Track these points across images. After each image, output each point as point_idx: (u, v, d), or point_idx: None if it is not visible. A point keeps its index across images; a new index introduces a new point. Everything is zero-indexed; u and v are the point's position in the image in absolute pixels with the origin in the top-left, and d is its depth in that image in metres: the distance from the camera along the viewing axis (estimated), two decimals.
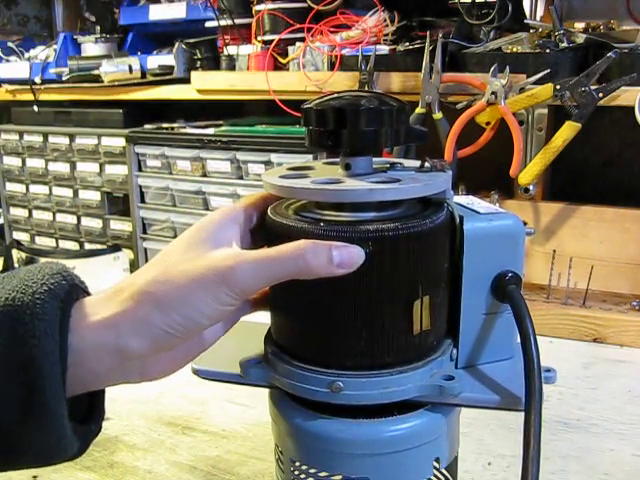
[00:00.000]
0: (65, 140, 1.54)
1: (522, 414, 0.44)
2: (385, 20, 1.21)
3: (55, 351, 0.36)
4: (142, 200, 1.39)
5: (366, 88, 1.14)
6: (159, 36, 1.63)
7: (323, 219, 0.46)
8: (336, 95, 0.48)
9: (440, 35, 1.10)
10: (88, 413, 0.43)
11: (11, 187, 1.71)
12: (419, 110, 1.11)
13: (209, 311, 0.39)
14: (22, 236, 1.72)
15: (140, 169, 1.38)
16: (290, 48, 1.26)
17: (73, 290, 0.40)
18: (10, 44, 1.76)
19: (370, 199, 0.45)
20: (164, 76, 1.43)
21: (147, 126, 1.45)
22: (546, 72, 1.02)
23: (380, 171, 0.50)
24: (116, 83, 1.46)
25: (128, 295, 0.39)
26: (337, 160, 0.51)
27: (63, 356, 0.37)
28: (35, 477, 0.70)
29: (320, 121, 0.47)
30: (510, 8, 1.12)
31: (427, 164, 0.50)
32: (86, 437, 0.42)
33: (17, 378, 0.36)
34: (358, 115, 0.46)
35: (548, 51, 1.07)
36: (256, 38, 1.31)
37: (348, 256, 0.40)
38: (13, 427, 0.37)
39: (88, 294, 0.42)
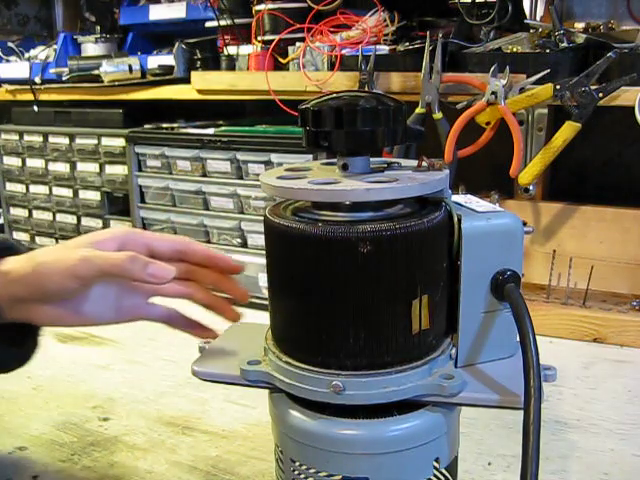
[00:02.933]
0: (65, 140, 1.54)
1: (522, 413, 0.44)
2: (385, 20, 1.21)
3: None
4: (142, 200, 1.39)
5: (366, 88, 1.14)
6: (159, 36, 1.63)
7: (321, 219, 0.46)
8: (333, 95, 0.48)
9: (440, 35, 1.10)
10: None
11: (11, 187, 1.71)
12: (419, 110, 1.11)
13: (55, 285, 0.54)
14: (22, 236, 1.72)
15: (140, 169, 1.38)
16: (290, 48, 1.26)
17: (6, 247, 0.59)
18: (10, 44, 1.76)
19: (367, 199, 0.45)
20: (164, 76, 1.43)
21: (147, 126, 1.45)
22: (546, 72, 1.02)
23: (377, 171, 0.50)
24: (116, 83, 1.46)
25: (24, 259, 0.57)
26: (335, 160, 0.51)
27: None
28: (35, 477, 0.70)
29: (317, 121, 0.47)
30: (510, 8, 1.12)
31: (424, 163, 0.50)
32: (6, 351, 0.60)
33: None
34: (355, 115, 0.46)
35: (548, 51, 1.07)
36: (256, 38, 1.30)
37: (158, 270, 0.54)
38: None
39: (17, 252, 0.59)
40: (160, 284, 0.55)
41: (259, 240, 1.22)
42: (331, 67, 1.20)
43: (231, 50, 1.35)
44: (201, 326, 0.63)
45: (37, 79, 1.61)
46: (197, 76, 1.34)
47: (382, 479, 0.48)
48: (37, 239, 1.69)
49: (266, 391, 0.53)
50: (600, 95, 0.99)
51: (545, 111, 1.11)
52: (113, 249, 0.57)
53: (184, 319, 0.64)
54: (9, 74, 1.68)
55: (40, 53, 1.68)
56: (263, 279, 1.18)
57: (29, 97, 1.62)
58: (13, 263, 0.57)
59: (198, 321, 0.63)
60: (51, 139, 1.57)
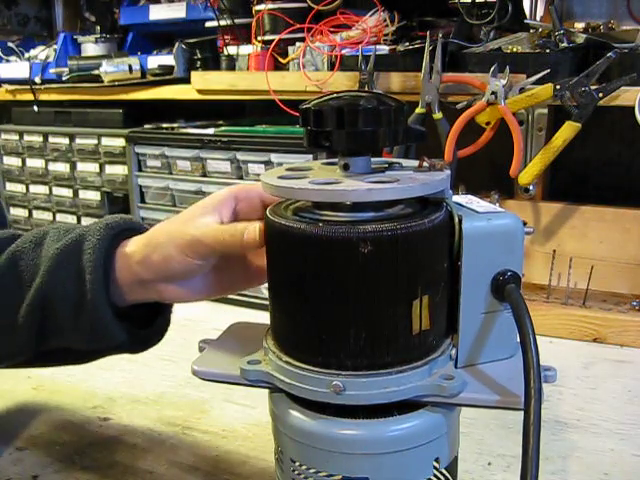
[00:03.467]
0: (65, 140, 1.54)
1: (522, 413, 0.44)
2: (385, 20, 1.21)
3: (100, 266, 0.56)
4: (142, 200, 1.39)
5: (366, 88, 1.14)
6: (159, 36, 1.63)
7: (322, 219, 0.46)
8: (334, 95, 0.48)
9: (440, 35, 1.10)
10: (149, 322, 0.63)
11: (11, 187, 1.71)
12: (419, 110, 1.11)
13: (177, 264, 0.55)
14: None
15: (140, 169, 1.38)
16: (290, 48, 1.26)
17: (127, 228, 0.60)
18: (10, 44, 1.76)
19: (368, 199, 0.45)
20: (164, 76, 1.43)
21: (147, 126, 1.45)
22: (546, 72, 1.02)
23: (378, 171, 0.50)
24: (116, 83, 1.46)
25: (143, 241, 0.58)
26: (336, 160, 0.51)
27: (106, 269, 0.56)
28: (35, 477, 0.70)
29: (318, 121, 0.47)
30: (510, 8, 1.12)
31: (425, 164, 0.50)
32: (135, 334, 0.60)
33: (78, 277, 0.56)
34: (356, 115, 0.46)
35: (548, 51, 1.07)
36: (256, 38, 1.30)
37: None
38: (69, 310, 0.57)
39: (140, 232, 0.59)
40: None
41: None
42: (331, 67, 1.20)
43: (231, 50, 1.35)
44: None
45: (37, 79, 1.61)
46: (197, 76, 1.34)
47: (382, 479, 0.48)
48: None
49: (266, 391, 0.53)
50: (600, 95, 0.99)
51: (545, 111, 1.11)
52: (231, 209, 0.56)
53: None
54: (9, 74, 1.69)
55: (40, 53, 1.68)
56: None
57: (29, 97, 1.62)
58: (135, 245, 0.57)
59: None
60: (51, 139, 1.57)
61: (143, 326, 0.62)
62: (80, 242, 0.58)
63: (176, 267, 0.55)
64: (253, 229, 0.52)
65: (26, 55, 1.72)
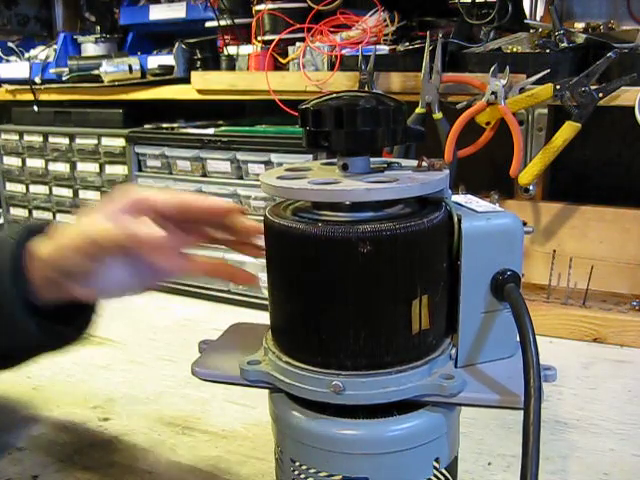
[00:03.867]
0: (65, 140, 1.54)
1: (522, 413, 0.44)
2: (385, 20, 1.21)
3: (7, 260, 0.59)
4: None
5: (366, 88, 1.14)
6: (159, 36, 1.63)
7: (321, 219, 0.46)
8: (333, 95, 0.48)
9: (440, 35, 1.10)
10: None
11: (11, 187, 1.71)
12: (419, 110, 1.10)
13: (75, 265, 0.57)
14: None
15: (140, 169, 1.38)
16: (290, 48, 1.26)
17: (32, 232, 0.61)
18: (10, 44, 1.76)
19: (367, 199, 0.45)
20: (164, 76, 1.43)
21: (147, 126, 1.45)
22: (546, 72, 1.02)
23: (377, 171, 0.50)
24: (116, 83, 1.46)
25: (52, 241, 0.59)
26: (335, 160, 0.51)
27: (16, 266, 0.59)
28: (35, 477, 0.70)
29: (317, 121, 0.47)
30: (510, 8, 1.12)
31: (424, 163, 0.50)
32: (49, 329, 0.61)
33: None
34: (355, 115, 0.46)
35: (548, 51, 1.07)
36: (256, 38, 1.30)
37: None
38: None
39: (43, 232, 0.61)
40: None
41: (259, 241, 1.22)
42: (331, 67, 1.20)
43: (231, 50, 1.35)
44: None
45: (37, 79, 1.60)
46: (197, 76, 1.34)
47: (382, 479, 0.48)
48: None
49: (266, 391, 0.53)
50: (600, 95, 0.99)
51: (545, 111, 1.11)
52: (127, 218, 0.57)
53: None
54: (9, 74, 1.68)
55: (40, 53, 1.68)
56: (263, 279, 1.18)
57: (29, 97, 1.61)
58: (43, 245, 0.59)
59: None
60: (51, 139, 1.57)
61: (63, 323, 0.64)
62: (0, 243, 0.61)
63: (73, 268, 0.57)
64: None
65: (26, 55, 1.72)
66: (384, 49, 1.18)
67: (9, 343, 0.62)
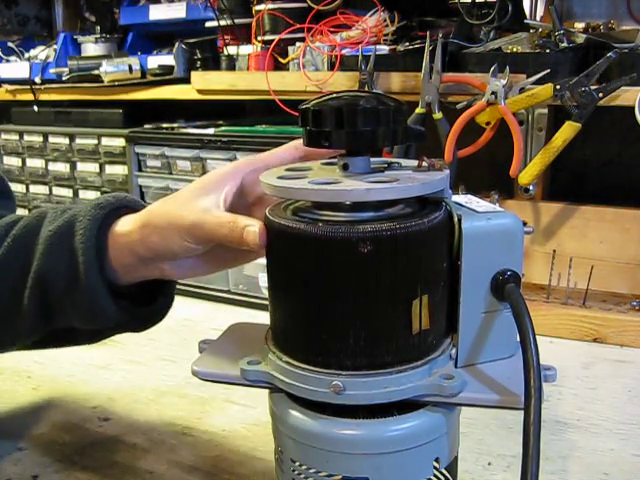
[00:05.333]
0: (65, 140, 1.54)
1: (522, 413, 0.44)
2: (385, 20, 1.21)
3: (91, 247, 0.56)
4: (142, 200, 1.39)
5: (366, 88, 1.14)
6: (159, 36, 1.63)
7: (321, 219, 0.46)
8: (333, 95, 0.48)
9: (440, 35, 1.10)
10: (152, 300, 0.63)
11: (11, 187, 1.70)
12: (419, 110, 1.11)
13: (177, 247, 0.55)
14: None
15: (140, 169, 1.38)
16: (290, 48, 1.26)
17: (120, 207, 0.59)
18: (10, 44, 1.77)
19: (367, 199, 0.45)
20: (164, 76, 1.43)
21: (147, 126, 1.45)
22: (546, 72, 1.02)
23: (378, 171, 0.50)
24: (116, 83, 1.46)
25: (141, 221, 0.57)
26: (335, 160, 0.51)
27: (99, 250, 0.56)
28: (35, 477, 0.70)
29: (317, 121, 0.47)
30: (510, 8, 1.12)
31: (424, 163, 0.50)
32: (134, 312, 0.60)
33: (70, 260, 0.57)
34: (355, 115, 0.46)
35: (548, 51, 1.07)
36: (256, 38, 1.30)
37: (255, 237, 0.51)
38: (65, 292, 0.57)
39: (136, 210, 0.59)
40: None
41: None
42: (331, 67, 1.20)
43: (231, 50, 1.35)
44: None
45: (37, 79, 1.61)
46: (197, 76, 1.34)
47: (382, 479, 0.48)
48: None
49: (266, 391, 0.53)
50: (600, 95, 0.99)
51: (545, 111, 1.11)
52: (235, 186, 0.57)
53: None
54: (9, 74, 1.69)
55: (40, 53, 1.68)
56: (263, 279, 1.18)
57: (29, 97, 1.62)
58: (131, 224, 0.57)
59: None
60: (51, 139, 1.57)
61: (144, 304, 0.62)
62: (72, 223, 0.58)
63: (176, 249, 0.55)
64: (253, 232, 0.50)
65: (26, 55, 1.72)
66: (384, 49, 1.18)
67: (93, 325, 0.60)
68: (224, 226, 0.52)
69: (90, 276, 0.56)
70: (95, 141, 1.48)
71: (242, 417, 0.82)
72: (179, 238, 0.54)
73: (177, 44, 1.39)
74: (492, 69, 1.03)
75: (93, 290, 0.56)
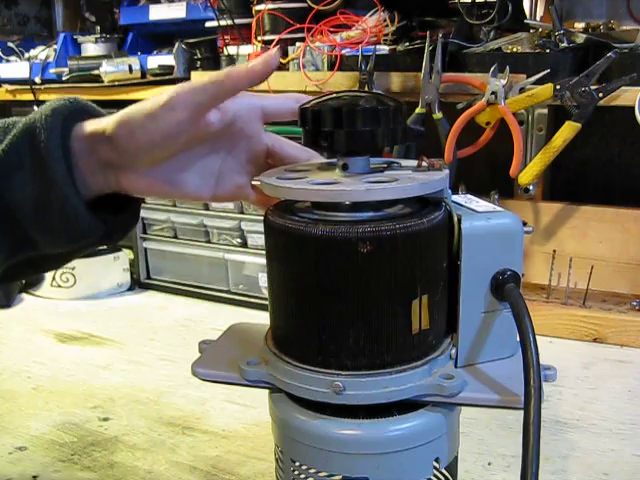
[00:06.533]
0: None
1: (522, 413, 0.44)
2: (385, 20, 1.21)
3: (57, 150, 0.48)
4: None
5: (366, 88, 1.14)
6: (159, 36, 1.63)
7: (321, 219, 0.46)
8: (333, 95, 0.48)
9: (440, 35, 1.10)
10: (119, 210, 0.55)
11: None
12: (419, 110, 1.10)
13: (149, 135, 0.49)
14: None
15: None
16: (290, 48, 1.26)
17: (77, 111, 0.51)
18: (10, 44, 1.77)
19: (367, 199, 0.45)
20: (164, 76, 1.43)
21: None
22: (546, 72, 1.02)
23: (377, 171, 0.50)
24: (116, 83, 1.46)
25: (114, 120, 0.50)
26: (335, 160, 0.51)
27: (66, 153, 0.49)
28: (35, 477, 0.70)
29: (317, 121, 0.47)
30: (510, 8, 1.12)
31: (424, 163, 0.50)
32: (111, 223, 0.53)
33: (35, 174, 0.49)
34: (354, 115, 0.46)
35: (548, 51, 1.07)
36: (256, 38, 1.30)
37: (261, 60, 0.52)
38: (34, 217, 0.50)
39: (97, 115, 0.53)
40: (269, 72, 0.51)
41: (259, 240, 1.22)
42: (331, 67, 1.20)
43: (231, 50, 1.35)
44: None
45: (37, 79, 1.61)
46: (197, 76, 1.34)
47: (382, 479, 0.48)
48: None
49: (266, 391, 0.53)
50: (600, 95, 0.99)
51: (545, 111, 1.11)
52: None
53: None
54: (9, 74, 1.68)
55: (40, 53, 1.68)
56: (263, 279, 1.18)
57: (29, 97, 1.61)
58: (95, 124, 0.50)
59: None
60: None
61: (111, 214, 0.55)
62: (29, 135, 0.50)
63: (142, 141, 0.49)
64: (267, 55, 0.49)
65: (26, 55, 1.72)
66: (384, 49, 1.19)
67: (73, 244, 0.52)
68: (214, 75, 0.49)
69: (64, 189, 0.49)
70: None
71: (242, 417, 0.82)
72: (160, 111, 0.48)
73: (177, 44, 1.39)
74: (492, 69, 1.03)
75: (70, 204, 0.49)
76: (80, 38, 1.66)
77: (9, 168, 0.49)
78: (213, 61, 1.37)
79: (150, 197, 0.55)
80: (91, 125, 0.51)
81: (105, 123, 0.50)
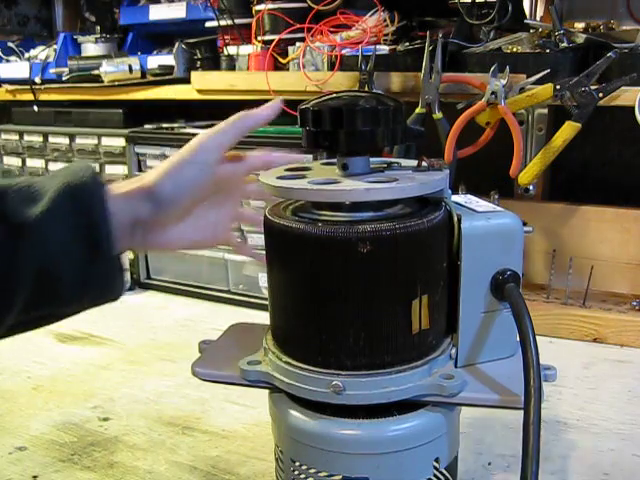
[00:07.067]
0: (65, 140, 1.54)
1: (522, 413, 0.44)
2: (385, 20, 1.21)
3: (110, 218, 0.48)
4: None
5: (366, 88, 1.14)
6: (159, 36, 1.63)
7: (321, 219, 0.46)
8: (333, 95, 0.48)
9: (440, 35, 1.10)
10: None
11: None
12: (419, 110, 1.10)
13: (190, 182, 0.53)
14: None
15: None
16: (290, 48, 1.26)
17: (97, 174, 0.51)
18: (10, 44, 1.76)
19: (367, 199, 0.45)
20: (164, 76, 1.43)
21: (147, 126, 1.45)
22: (546, 72, 1.02)
23: (377, 171, 0.50)
24: (116, 83, 1.46)
25: (152, 175, 0.53)
26: (335, 160, 0.51)
27: (109, 215, 0.49)
28: (35, 477, 0.70)
29: (317, 121, 0.47)
30: (510, 8, 1.12)
31: (424, 163, 0.50)
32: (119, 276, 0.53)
33: (83, 239, 0.48)
34: (354, 115, 0.46)
35: (548, 51, 1.07)
36: (256, 38, 1.30)
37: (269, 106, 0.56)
38: (74, 279, 0.48)
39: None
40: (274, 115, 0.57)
41: (259, 240, 1.22)
42: (331, 67, 1.20)
43: (231, 50, 1.35)
44: None
45: (37, 79, 1.60)
46: (197, 76, 1.34)
47: (382, 479, 0.48)
48: None
49: (266, 391, 0.53)
50: (600, 95, 0.99)
51: (545, 111, 1.11)
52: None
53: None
54: (9, 74, 1.68)
55: (40, 53, 1.68)
56: (263, 279, 1.18)
57: (29, 97, 1.61)
58: (129, 185, 0.52)
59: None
60: (51, 139, 1.57)
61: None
62: (70, 197, 0.48)
63: (195, 179, 0.53)
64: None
65: (26, 55, 1.72)
66: (384, 49, 1.18)
67: (101, 302, 0.52)
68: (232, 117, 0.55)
69: (108, 255, 0.49)
70: (95, 141, 1.48)
71: (242, 417, 0.82)
72: (189, 171, 0.53)
73: (177, 44, 1.39)
74: (492, 69, 1.03)
75: (111, 269, 0.50)
76: (80, 38, 1.65)
77: (50, 231, 0.47)
78: (213, 61, 1.37)
79: (166, 252, 0.58)
80: (125, 185, 0.52)
81: (146, 180, 0.52)
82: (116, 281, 0.51)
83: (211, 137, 0.55)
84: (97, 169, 0.54)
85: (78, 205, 0.48)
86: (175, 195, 0.53)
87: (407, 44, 1.18)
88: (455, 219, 0.49)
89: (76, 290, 0.49)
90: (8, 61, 1.74)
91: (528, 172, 1.06)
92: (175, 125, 1.42)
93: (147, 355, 1.02)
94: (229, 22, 1.35)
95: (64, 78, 1.55)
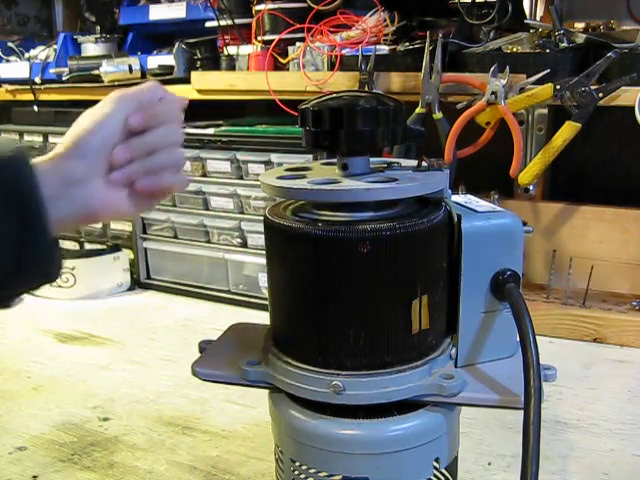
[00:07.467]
0: None
1: (522, 413, 0.44)
2: (385, 20, 1.21)
3: (40, 192, 0.46)
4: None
5: (366, 88, 1.14)
6: (159, 36, 1.63)
7: (321, 219, 0.46)
8: (333, 95, 0.48)
9: (440, 35, 1.10)
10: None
11: None
12: (419, 110, 1.10)
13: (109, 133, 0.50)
14: None
15: None
16: (290, 48, 1.26)
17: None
18: (10, 44, 1.76)
19: (367, 199, 0.45)
20: (164, 76, 1.43)
21: None
22: (546, 72, 1.02)
23: (377, 171, 0.50)
24: (116, 83, 1.46)
25: (65, 144, 0.51)
26: (335, 160, 0.51)
27: (37, 182, 0.46)
28: (35, 477, 0.70)
29: (317, 121, 0.47)
30: (510, 8, 1.12)
31: (424, 163, 0.50)
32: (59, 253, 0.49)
33: (14, 215, 0.45)
34: (354, 115, 0.46)
35: (548, 51, 1.07)
36: (256, 38, 1.30)
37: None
38: (13, 263, 0.45)
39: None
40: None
41: (259, 240, 1.22)
42: (331, 67, 1.20)
43: (231, 50, 1.35)
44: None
45: (37, 79, 1.60)
46: (197, 76, 1.34)
47: (382, 479, 0.48)
48: None
49: (266, 391, 0.53)
50: (600, 95, 0.99)
51: (545, 111, 1.11)
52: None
53: None
54: (9, 74, 1.68)
55: (40, 53, 1.67)
56: (263, 279, 1.18)
57: (29, 97, 1.61)
58: (51, 152, 0.51)
59: None
60: (51, 139, 1.57)
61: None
62: None
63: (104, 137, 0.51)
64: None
65: (26, 55, 1.72)
66: (384, 49, 1.18)
67: (40, 283, 0.49)
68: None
69: (43, 218, 0.46)
70: None
71: (242, 417, 0.82)
72: (109, 122, 0.51)
73: (177, 44, 1.39)
74: (492, 69, 1.03)
75: (49, 244, 0.47)
76: (80, 38, 1.65)
77: None
78: (213, 61, 1.37)
79: (116, 217, 0.56)
80: (49, 154, 0.50)
81: (68, 140, 0.51)
82: (56, 262, 0.48)
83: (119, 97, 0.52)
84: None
85: (4, 176, 0.46)
86: (99, 146, 0.51)
87: (407, 44, 1.18)
88: (455, 219, 0.49)
89: (10, 267, 0.46)
90: (8, 61, 1.74)
91: (528, 172, 1.06)
92: None
93: (147, 355, 1.02)
94: (229, 22, 1.35)
95: (64, 78, 1.55)
